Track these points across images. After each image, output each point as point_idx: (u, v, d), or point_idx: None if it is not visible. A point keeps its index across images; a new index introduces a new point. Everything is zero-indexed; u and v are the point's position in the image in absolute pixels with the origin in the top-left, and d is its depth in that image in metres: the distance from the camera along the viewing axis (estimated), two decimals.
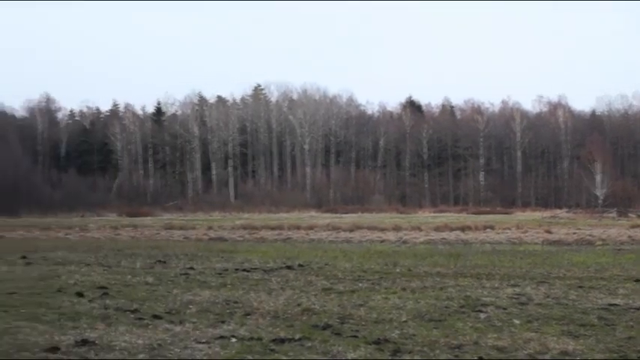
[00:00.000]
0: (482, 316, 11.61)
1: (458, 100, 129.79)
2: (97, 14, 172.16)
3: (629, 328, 10.39)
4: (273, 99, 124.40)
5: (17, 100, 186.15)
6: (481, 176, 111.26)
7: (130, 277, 16.77)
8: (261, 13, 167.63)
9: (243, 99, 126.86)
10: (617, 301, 13.28)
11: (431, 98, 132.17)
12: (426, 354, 8.74)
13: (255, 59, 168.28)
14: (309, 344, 9.36)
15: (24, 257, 21.87)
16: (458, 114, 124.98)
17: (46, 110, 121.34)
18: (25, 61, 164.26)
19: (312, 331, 10.30)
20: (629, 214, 61.25)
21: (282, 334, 9.96)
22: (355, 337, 9.86)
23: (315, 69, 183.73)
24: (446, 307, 12.52)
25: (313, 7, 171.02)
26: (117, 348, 9.04)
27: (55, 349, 8.86)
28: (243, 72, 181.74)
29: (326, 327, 10.67)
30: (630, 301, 13.18)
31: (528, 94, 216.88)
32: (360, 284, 15.75)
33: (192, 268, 18.81)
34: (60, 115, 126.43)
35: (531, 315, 11.59)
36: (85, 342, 9.22)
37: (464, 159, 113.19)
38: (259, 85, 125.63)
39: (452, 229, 39.74)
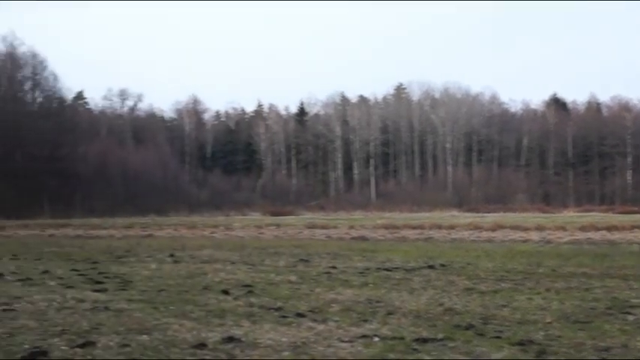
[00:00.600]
0: (630, 318, 11.19)
1: (604, 97, 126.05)
2: (243, 15, 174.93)
3: None
4: (415, 98, 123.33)
5: (166, 103, 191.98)
6: (628, 175, 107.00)
7: (273, 275, 17.00)
8: (402, 13, 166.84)
9: (385, 98, 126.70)
10: None
11: (576, 95, 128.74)
12: (572, 356, 8.52)
13: (397, 58, 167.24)
14: (452, 344, 9.26)
15: (172, 255, 22.53)
16: (604, 111, 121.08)
17: (194, 112, 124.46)
18: (174, 63, 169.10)
19: (455, 331, 10.18)
20: None
21: (425, 334, 9.89)
22: (499, 337, 9.70)
23: (456, 67, 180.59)
24: (592, 308, 12.13)
25: (454, 6, 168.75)
26: (262, 345, 9.19)
27: (202, 345, 9.09)
28: (385, 71, 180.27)
29: (469, 327, 10.52)
30: None
31: None
32: (503, 284, 15.45)
33: (334, 267, 18.89)
34: (206, 116, 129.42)
35: None
36: (231, 339, 9.41)
37: (610, 157, 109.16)
38: (401, 85, 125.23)
39: (598, 229, 38.28)
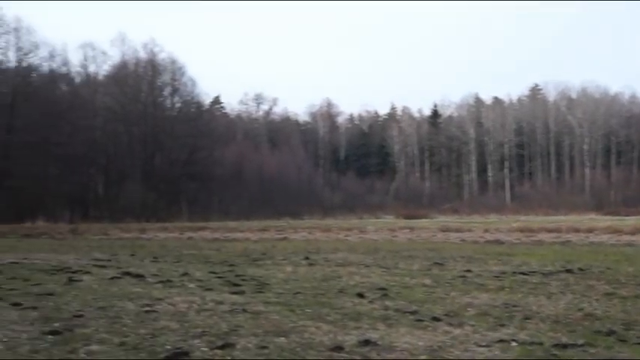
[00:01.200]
0: None
1: None
2: (375, 18, 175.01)
3: None
4: (551, 99, 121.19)
5: (301, 106, 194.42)
6: None
7: (408, 278, 16.92)
8: (536, 14, 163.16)
9: (519, 99, 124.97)
10: None
11: None
12: None
13: (532, 59, 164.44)
14: (593, 350, 9.05)
15: (307, 258, 22.71)
16: None
17: (328, 115, 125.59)
18: (308, 67, 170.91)
19: (595, 336, 9.92)
20: None
21: (564, 340, 9.68)
22: None
23: (593, 66, 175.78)
24: None
25: (587, 5, 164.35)
26: (398, 349, 9.16)
27: (339, 348, 9.13)
28: (519, 72, 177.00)
29: (610, 333, 10.23)
30: None
31: None
32: None
33: (469, 271, 18.65)
34: (340, 119, 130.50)
35: None
36: (367, 342, 9.41)
37: None
38: (537, 85, 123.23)
39: None
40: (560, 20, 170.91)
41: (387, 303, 12.93)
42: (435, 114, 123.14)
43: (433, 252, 25.83)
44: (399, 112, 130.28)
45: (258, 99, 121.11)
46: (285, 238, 36.90)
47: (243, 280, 16.31)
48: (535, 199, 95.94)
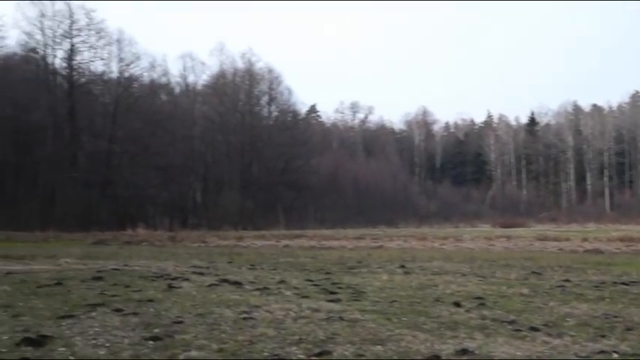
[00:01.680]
0: None
1: None
2: (470, 26, 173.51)
3: None
4: None
5: (396, 115, 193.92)
6: None
7: (505, 288, 16.70)
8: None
9: (619, 107, 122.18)
10: None
11: None
12: None
13: (632, 65, 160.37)
14: None
15: (402, 266, 22.62)
16: None
17: (423, 123, 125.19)
18: (404, 75, 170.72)
19: None
20: None
21: None
22: None
23: None
24: None
25: None
26: (496, 358, 9.07)
27: (436, 357, 9.06)
28: (619, 79, 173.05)
29: None
30: None
31: None
32: None
33: (567, 280, 18.28)
34: (436, 127, 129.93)
35: None
36: (464, 351, 9.33)
37: None
38: (637, 92, 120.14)
39: None
40: None
41: (484, 312, 12.79)
42: (532, 122, 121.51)
43: (530, 261, 25.44)
44: (495, 120, 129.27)
45: (354, 107, 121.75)
46: (380, 247, 36.83)
47: (339, 288, 16.33)
48: (636, 208, 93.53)
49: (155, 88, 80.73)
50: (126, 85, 72.11)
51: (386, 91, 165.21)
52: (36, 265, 22.11)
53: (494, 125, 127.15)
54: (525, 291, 16.09)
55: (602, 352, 9.40)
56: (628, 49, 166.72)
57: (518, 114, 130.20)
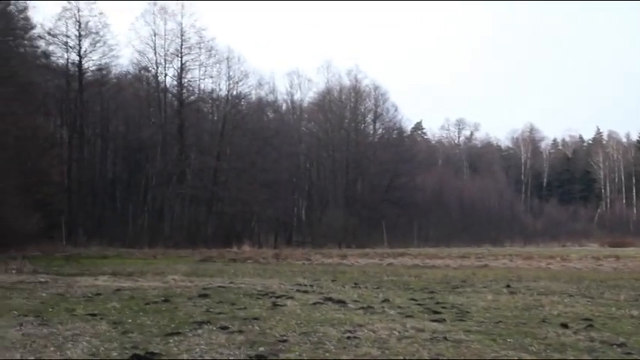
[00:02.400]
0: None
1: None
2: (581, 36, 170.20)
3: None
4: None
5: (502, 131, 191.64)
6: None
7: (614, 309, 16.29)
8: None
9: None
10: None
11: None
12: None
13: None
14: None
15: (508, 286, 22.31)
16: None
17: (530, 140, 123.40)
18: (510, 91, 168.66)
19: None
20: None
21: None
22: None
23: None
24: None
25: None
26: None
27: None
28: None
29: None
30: None
31: None
32: None
33: None
34: (543, 144, 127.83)
35: None
36: None
37: None
38: None
39: None
40: None
41: (593, 334, 12.50)
42: None
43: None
44: (604, 136, 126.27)
45: (460, 124, 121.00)
46: (485, 266, 36.40)
47: (443, 307, 16.21)
48: None
49: (262, 105, 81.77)
50: (234, 102, 73.11)
51: (492, 108, 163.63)
52: (144, 281, 22.58)
53: (604, 142, 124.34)
54: (635, 313, 15.69)
55: None
56: None
57: (629, 130, 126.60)
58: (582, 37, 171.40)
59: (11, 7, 43.02)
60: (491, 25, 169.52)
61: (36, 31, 54.26)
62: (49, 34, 59.56)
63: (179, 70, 68.65)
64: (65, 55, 61.28)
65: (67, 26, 60.96)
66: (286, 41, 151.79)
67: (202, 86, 71.84)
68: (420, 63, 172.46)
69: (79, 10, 61.24)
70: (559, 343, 11.63)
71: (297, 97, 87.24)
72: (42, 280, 22.06)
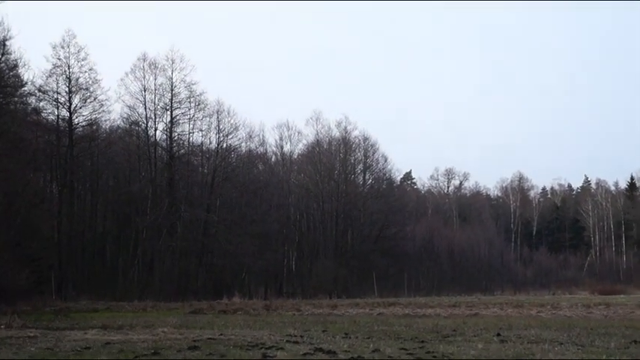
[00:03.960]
0: None
1: None
2: (568, 85, 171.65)
3: None
4: None
5: (491, 181, 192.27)
6: None
7: (605, 356, 16.26)
8: None
9: None
10: None
11: None
12: None
13: None
14: None
15: (498, 335, 22.25)
16: None
17: (519, 189, 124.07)
18: (498, 141, 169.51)
19: None
20: None
21: None
22: None
23: None
24: None
25: None
26: None
27: None
28: None
29: None
30: None
31: None
32: None
33: None
34: (532, 193, 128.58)
35: None
36: None
37: None
38: None
39: None
40: None
41: None
42: (632, 186, 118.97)
43: (631, 329, 24.73)
44: (593, 184, 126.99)
45: (449, 174, 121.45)
46: (476, 314, 36.32)
47: (434, 356, 16.16)
48: None
49: (252, 157, 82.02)
50: (224, 155, 73.32)
51: (481, 158, 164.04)
52: (134, 334, 22.46)
53: (592, 190, 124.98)
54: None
55: None
56: None
57: (617, 178, 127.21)
58: (570, 86, 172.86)
59: (2, 65, 43.24)
60: (479, 75, 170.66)
61: (26, 88, 54.43)
62: (40, 90, 59.70)
63: (169, 124, 68.89)
64: (55, 112, 61.43)
65: (57, 83, 61.16)
66: (276, 93, 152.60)
67: (192, 139, 72.12)
68: (410, 113, 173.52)
69: (69, 67, 61.44)
70: None
71: (286, 149, 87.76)
72: (31, 334, 21.92)
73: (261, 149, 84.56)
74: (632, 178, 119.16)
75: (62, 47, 61.32)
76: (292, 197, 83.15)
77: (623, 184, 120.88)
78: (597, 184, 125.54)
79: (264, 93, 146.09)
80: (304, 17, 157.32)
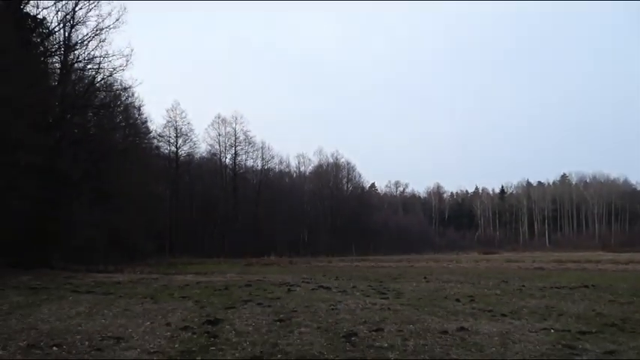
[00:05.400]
0: None
1: None
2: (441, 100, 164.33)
3: None
4: (574, 182, 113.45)
5: (421, 187, 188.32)
6: None
7: (486, 290, 16.24)
8: None
9: (554, 182, 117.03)
10: None
11: None
12: None
13: (561, 151, 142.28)
14: (602, 336, 8.64)
15: (425, 278, 22.24)
16: None
17: (437, 192, 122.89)
18: (427, 161, 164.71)
19: (603, 327, 9.44)
20: None
21: (584, 328, 9.28)
22: (634, 332, 8.96)
23: (601, 160, 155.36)
24: None
25: None
26: (481, 333, 8.87)
27: (445, 332, 8.89)
28: (553, 161, 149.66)
29: (613, 325, 9.68)
30: None
31: None
32: (636, 298, 13.66)
33: (523, 286, 17.47)
34: (445, 195, 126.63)
35: None
36: (462, 328, 9.17)
37: None
38: (565, 174, 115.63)
39: None
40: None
41: (474, 305, 12.55)
42: (502, 191, 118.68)
43: (501, 274, 24.67)
44: (480, 190, 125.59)
45: (397, 184, 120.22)
46: (411, 266, 36.17)
47: (387, 290, 16.18)
48: (564, 243, 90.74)
49: (282, 175, 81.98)
50: (265, 173, 73.66)
51: (417, 172, 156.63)
52: (213, 277, 22.48)
53: (480, 193, 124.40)
54: (498, 292, 15.71)
55: (544, 329, 9.28)
56: (559, 138, 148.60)
57: (494, 186, 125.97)
58: (474, 118, 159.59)
59: (138, 121, 43.54)
60: (418, 122, 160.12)
61: (152, 134, 54.59)
62: (159, 135, 60.07)
63: (234, 155, 69.27)
64: (168, 148, 61.75)
65: (169, 131, 61.53)
66: (297, 135, 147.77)
67: (247, 164, 72.43)
68: (374, 143, 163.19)
69: (176, 122, 61.93)
70: (454, 310, 11.66)
71: (302, 169, 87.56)
72: (154, 277, 21.96)
73: (287, 169, 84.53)
74: (502, 187, 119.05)
75: (172, 110, 61.82)
76: (306, 197, 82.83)
77: (497, 190, 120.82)
78: (483, 189, 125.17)
79: (288, 134, 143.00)
80: (309, 84, 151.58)
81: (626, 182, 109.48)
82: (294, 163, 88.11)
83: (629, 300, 13.77)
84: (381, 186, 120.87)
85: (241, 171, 71.08)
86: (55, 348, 7.66)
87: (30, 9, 28.34)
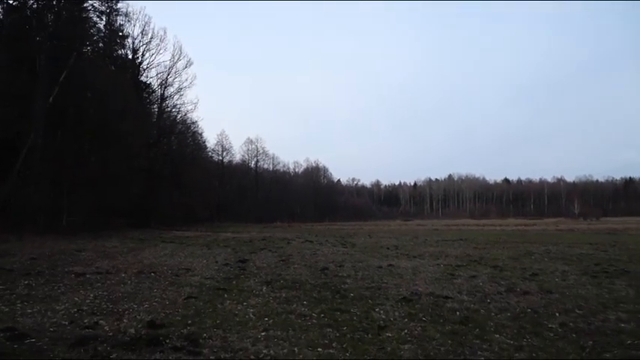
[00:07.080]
0: None
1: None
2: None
3: None
4: (455, 179, 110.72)
5: (368, 182, 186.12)
6: None
7: (404, 242, 15.78)
8: None
9: (443, 179, 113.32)
10: None
11: None
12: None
13: (446, 154, 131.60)
14: (469, 267, 8.26)
15: (369, 235, 21.74)
16: None
17: (377, 185, 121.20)
18: (371, 165, 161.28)
19: (470, 263, 8.94)
20: None
21: (459, 263, 8.82)
22: (486, 265, 8.60)
23: (476, 163, 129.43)
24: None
25: None
26: (402, 267, 8.76)
27: (380, 267, 8.73)
28: (443, 164, 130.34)
29: (476, 260, 9.17)
30: None
31: None
32: (488, 245, 13.30)
33: (426, 239, 17.08)
34: (382, 185, 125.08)
35: None
36: (391, 265, 8.96)
37: None
38: (451, 174, 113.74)
39: None
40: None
41: (398, 251, 12.50)
42: (415, 184, 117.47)
43: (413, 233, 24.61)
44: (402, 183, 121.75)
45: (354, 179, 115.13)
46: (361, 228, 35.71)
47: (347, 242, 16.09)
48: (449, 215, 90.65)
49: (284, 173, 79.49)
50: (274, 172, 72.21)
51: (365, 171, 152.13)
52: (243, 235, 22.06)
53: (402, 185, 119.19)
54: (412, 243, 15.55)
55: (438, 264, 8.98)
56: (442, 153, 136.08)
57: (410, 181, 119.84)
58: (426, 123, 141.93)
59: (200, 141, 42.47)
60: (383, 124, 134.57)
61: (208, 149, 53.19)
62: (213, 150, 57.90)
63: (256, 161, 67.19)
64: (217, 157, 59.34)
65: (218, 147, 58.93)
66: (297, 146, 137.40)
67: (264, 167, 70.77)
68: (338, 152, 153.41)
69: (222, 142, 60.35)
70: (386, 254, 11.57)
71: (297, 170, 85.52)
72: (208, 234, 21.60)
73: (287, 170, 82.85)
74: (414, 182, 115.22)
75: (220, 135, 60.68)
76: (298, 189, 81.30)
77: (411, 183, 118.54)
78: (404, 183, 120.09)
79: (288, 148, 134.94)
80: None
81: (484, 179, 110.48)
82: (292, 167, 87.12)
83: (484, 247, 13.80)
84: (343, 180, 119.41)
85: (260, 171, 70.10)
86: (152, 274, 7.68)
87: (142, 78, 30.56)
